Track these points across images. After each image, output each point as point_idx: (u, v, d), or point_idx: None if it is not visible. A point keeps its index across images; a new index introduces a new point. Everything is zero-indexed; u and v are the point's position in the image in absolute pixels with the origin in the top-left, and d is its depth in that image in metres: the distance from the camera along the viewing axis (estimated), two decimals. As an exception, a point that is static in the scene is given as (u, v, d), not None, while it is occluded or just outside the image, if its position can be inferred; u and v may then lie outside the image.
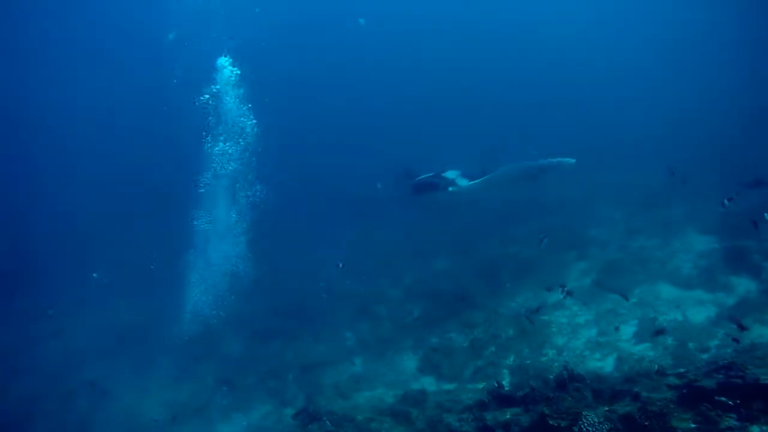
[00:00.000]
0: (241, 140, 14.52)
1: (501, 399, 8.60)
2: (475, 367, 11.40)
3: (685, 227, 14.27)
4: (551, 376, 8.73)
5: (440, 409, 9.47)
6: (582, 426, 6.58)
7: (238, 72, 14.78)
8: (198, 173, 14.56)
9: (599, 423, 6.58)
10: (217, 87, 14.65)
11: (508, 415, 7.99)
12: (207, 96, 14.50)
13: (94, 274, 17.31)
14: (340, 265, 12.66)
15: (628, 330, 10.88)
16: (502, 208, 19.63)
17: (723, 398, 6.27)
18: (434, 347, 12.39)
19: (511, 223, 19.04)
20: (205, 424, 12.48)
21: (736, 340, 8.34)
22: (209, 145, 14.50)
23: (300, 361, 13.78)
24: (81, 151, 36.06)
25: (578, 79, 39.78)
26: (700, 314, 10.59)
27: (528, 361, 10.83)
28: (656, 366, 8.36)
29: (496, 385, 9.14)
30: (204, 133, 14.46)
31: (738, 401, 6.16)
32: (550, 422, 6.94)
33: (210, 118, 14.51)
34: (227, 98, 14.63)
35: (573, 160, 13.80)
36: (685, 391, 6.76)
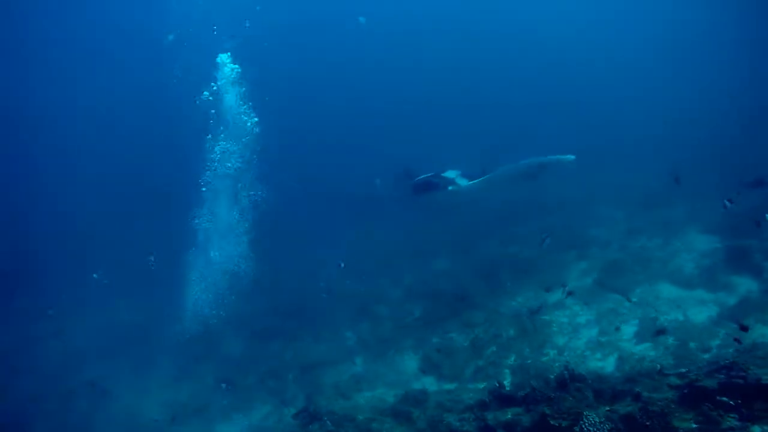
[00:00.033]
0: (243, 138, 14.52)
1: (502, 399, 8.60)
2: (476, 367, 11.38)
3: (686, 227, 14.26)
4: (552, 376, 8.72)
5: (441, 409, 9.46)
6: (583, 426, 6.58)
7: (239, 68, 14.79)
8: (199, 172, 14.56)
9: (600, 423, 6.59)
10: (219, 83, 14.66)
11: (509, 415, 8.00)
12: (206, 93, 14.50)
13: (95, 275, 17.27)
14: (342, 264, 12.65)
15: (629, 330, 10.85)
16: (502, 208, 19.63)
17: (724, 398, 6.27)
18: (435, 347, 12.38)
19: (511, 223, 19.04)
20: (206, 424, 12.47)
21: (737, 340, 8.33)
22: (210, 143, 14.50)
23: (300, 361, 13.77)
24: (81, 151, 36.06)
25: (578, 79, 39.79)
26: (701, 314, 10.57)
27: (529, 361, 10.81)
28: (658, 366, 8.36)
29: (497, 384, 9.14)
30: (205, 131, 14.46)
31: (739, 401, 6.16)
32: (552, 422, 6.94)
33: (211, 111, 14.51)
34: (228, 96, 14.64)
35: (573, 157, 13.74)
36: (686, 391, 6.76)
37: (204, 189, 14.57)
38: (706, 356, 9.00)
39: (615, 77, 39.26)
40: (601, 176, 21.04)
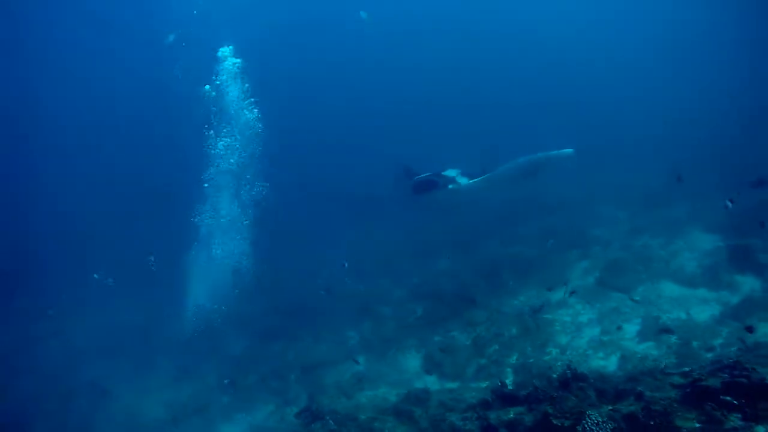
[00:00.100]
0: (246, 132, 14.51)
1: (504, 398, 8.57)
2: (478, 366, 11.37)
3: (688, 226, 14.26)
4: (555, 375, 8.70)
5: (443, 408, 9.42)
6: (586, 425, 6.56)
7: (239, 62, 14.78)
8: (200, 170, 14.56)
9: (603, 422, 6.55)
10: (220, 77, 14.65)
11: (511, 414, 7.96)
12: (208, 87, 14.50)
13: (95, 275, 17.24)
14: (345, 264, 12.64)
15: (631, 329, 10.86)
16: (502, 208, 19.63)
17: (728, 398, 6.24)
18: (438, 346, 12.36)
19: (512, 223, 19.03)
20: (208, 423, 12.46)
21: (741, 340, 8.32)
22: (211, 137, 14.49)
23: (302, 361, 13.76)
24: (81, 150, 36.07)
25: (578, 79, 39.80)
26: (704, 313, 10.58)
27: (531, 360, 10.80)
28: (663, 364, 8.35)
29: (499, 383, 9.12)
30: (206, 127, 14.45)
31: (743, 401, 6.13)
32: (554, 422, 6.91)
33: (212, 108, 14.51)
34: (229, 88, 14.63)
35: (571, 150, 13.70)
36: (689, 390, 6.73)
37: (206, 185, 14.58)
38: (709, 355, 8.99)
39: (615, 77, 39.29)
40: (601, 176, 21.06)
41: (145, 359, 15.57)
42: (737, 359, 6.91)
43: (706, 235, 13.49)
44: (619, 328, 10.99)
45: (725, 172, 16.28)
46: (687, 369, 7.64)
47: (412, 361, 12.58)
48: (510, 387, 9.21)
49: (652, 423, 6.39)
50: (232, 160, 14.68)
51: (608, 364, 10.01)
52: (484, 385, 10.45)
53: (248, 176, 14.89)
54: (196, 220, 14.72)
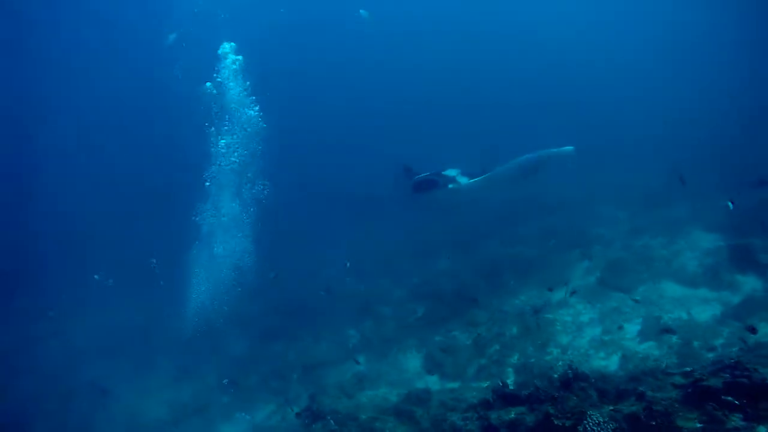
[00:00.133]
0: (248, 128, 14.49)
1: (505, 398, 8.53)
2: (479, 366, 11.36)
3: (689, 226, 14.21)
4: (556, 375, 8.68)
5: (444, 408, 9.40)
6: (587, 425, 6.54)
7: (240, 59, 14.77)
8: (201, 168, 14.55)
9: (604, 422, 6.54)
10: (222, 74, 14.64)
11: (512, 414, 7.94)
12: (209, 84, 14.48)
13: (96, 276, 17.23)
14: (348, 264, 12.63)
15: (632, 328, 10.84)
16: (502, 208, 19.63)
17: (729, 398, 6.23)
18: (438, 346, 12.36)
19: (512, 223, 19.03)
20: (209, 423, 12.47)
21: (743, 340, 8.32)
22: (212, 134, 14.47)
23: (303, 361, 13.78)
24: (82, 150, 36.07)
25: (578, 79, 39.80)
26: (705, 313, 10.56)
27: (532, 360, 10.79)
28: (664, 364, 8.34)
29: (500, 384, 9.09)
30: (207, 124, 14.44)
31: (744, 401, 6.12)
32: (555, 422, 6.90)
33: (213, 104, 14.49)
34: (230, 84, 14.61)
35: (571, 148, 13.64)
36: (690, 390, 6.72)
37: (207, 184, 14.57)
38: (711, 355, 8.97)
39: (615, 77, 39.29)
40: (601, 176, 21.07)
41: (146, 359, 15.58)
42: (738, 359, 6.89)
43: (707, 235, 13.45)
44: (620, 327, 10.97)
45: (725, 172, 16.31)
46: (688, 369, 7.62)
47: (413, 361, 12.58)
48: (511, 387, 9.17)
49: (653, 423, 6.38)
50: (233, 158, 14.67)
51: (609, 363, 10.00)
52: (485, 385, 10.43)
53: (249, 174, 14.89)
54: (197, 218, 14.71)
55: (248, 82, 14.81)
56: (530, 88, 39.44)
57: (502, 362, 11.12)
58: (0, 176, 33.16)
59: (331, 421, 9.65)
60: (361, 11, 30.25)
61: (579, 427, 6.57)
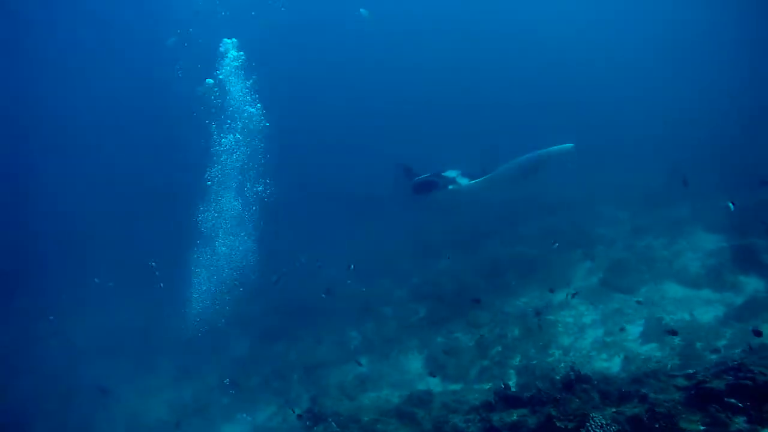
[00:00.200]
0: (248, 125, 14.46)
1: (507, 400, 8.52)
2: (481, 367, 11.36)
3: (691, 226, 14.22)
4: (558, 377, 8.66)
5: (446, 410, 9.40)
6: (589, 428, 6.51)
7: (242, 54, 14.73)
8: (202, 167, 14.51)
9: (607, 425, 6.52)
10: (223, 70, 14.60)
11: (514, 416, 7.92)
12: (210, 81, 14.44)
13: (96, 279, 17.19)
14: (352, 266, 12.58)
15: (635, 330, 10.83)
16: (503, 208, 19.57)
17: (733, 400, 6.20)
18: (440, 347, 12.34)
19: (513, 223, 19.00)
20: (210, 424, 12.45)
21: (750, 346, 8.29)
22: (213, 131, 14.44)
23: (304, 362, 13.77)
24: (81, 150, 36.03)
25: (578, 79, 39.76)
26: (707, 314, 10.54)
27: (534, 362, 10.76)
28: (669, 365, 8.32)
29: (502, 385, 9.08)
30: (207, 122, 14.41)
31: (748, 403, 6.09)
32: (558, 424, 6.88)
33: (213, 100, 14.45)
34: (232, 80, 14.57)
35: (571, 145, 13.58)
36: (693, 392, 6.70)
37: (209, 183, 14.54)
38: (713, 357, 8.95)
39: (615, 77, 39.24)
40: (602, 176, 21.04)
41: (146, 360, 15.56)
42: (742, 361, 6.87)
43: (709, 236, 13.44)
44: (623, 329, 10.95)
45: (726, 172, 16.27)
46: (691, 371, 7.59)
47: (415, 362, 12.58)
48: (513, 389, 9.16)
49: (656, 425, 6.35)
50: (234, 157, 14.65)
51: (612, 365, 9.98)
52: (487, 386, 10.43)
53: (251, 172, 14.87)
54: (198, 218, 14.68)
55: (250, 81, 14.78)
56: (530, 88, 39.38)
57: (504, 364, 11.11)
58: (0, 176, 33.12)
59: (333, 423, 9.62)
60: (361, 10, 30.22)
61: (581, 429, 6.54)
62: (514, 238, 17.69)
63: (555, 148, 13.59)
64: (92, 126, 36.52)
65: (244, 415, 12.47)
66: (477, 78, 41.89)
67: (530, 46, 44.46)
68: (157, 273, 14.60)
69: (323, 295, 14.01)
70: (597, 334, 11.20)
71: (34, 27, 30.51)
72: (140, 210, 27.45)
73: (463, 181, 14.79)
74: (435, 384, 11.29)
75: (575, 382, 7.95)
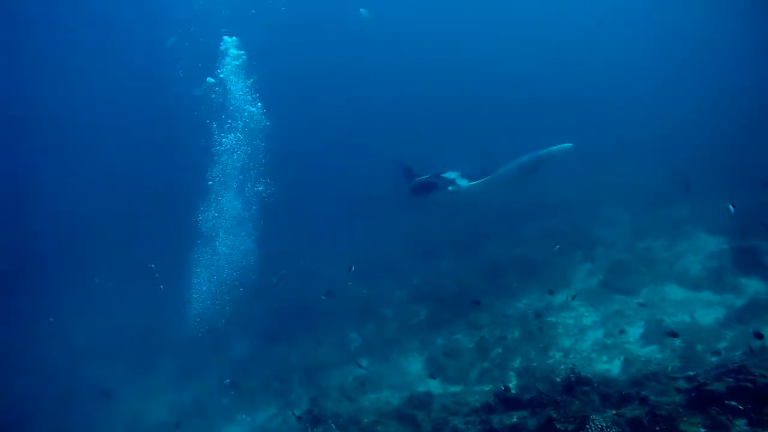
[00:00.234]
0: (249, 123, 14.44)
1: (507, 402, 8.50)
2: (482, 369, 11.35)
3: (692, 227, 14.17)
4: (558, 379, 8.65)
5: (446, 412, 9.37)
6: (590, 430, 6.51)
7: (243, 53, 14.71)
8: (203, 166, 14.50)
9: (607, 427, 6.51)
10: (224, 69, 14.58)
11: (514, 418, 7.91)
12: (211, 80, 14.43)
13: (96, 279, 17.18)
14: (352, 268, 12.56)
15: (635, 332, 10.80)
16: (504, 209, 19.53)
17: (733, 402, 6.19)
18: (441, 349, 12.32)
19: (514, 224, 18.94)
20: (209, 425, 12.44)
21: (750, 347, 8.28)
22: (214, 130, 14.42)
23: (304, 363, 13.76)
24: (81, 150, 36.03)
25: (580, 79, 39.72)
26: (708, 316, 10.51)
27: (534, 364, 10.74)
28: (669, 367, 8.30)
29: (502, 387, 9.06)
30: (208, 121, 14.40)
31: (749, 406, 6.08)
32: (558, 426, 6.87)
33: (214, 98, 14.44)
34: (233, 79, 14.55)
35: (570, 144, 13.55)
36: (694, 394, 6.69)
37: (210, 183, 14.54)
38: (714, 359, 8.93)
39: (616, 78, 39.19)
40: (603, 177, 20.99)
41: (146, 361, 15.56)
42: (742, 363, 6.86)
43: (710, 237, 13.40)
44: (622, 331, 10.92)
45: (727, 172, 16.24)
46: (692, 373, 7.58)
47: (415, 364, 12.57)
48: (513, 391, 9.16)
49: (657, 428, 6.34)
50: (235, 156, 14.64)
51: (612, 367, 9.96)
52: (487, 388, 10.40)
53: (252, 172, 14.86)
54: (199, 218, 14.68)
55: (251, 80, 14.77)
56: (531, 89, 39.34)
57: (505, 366, 11.09)
58: (0, 176, 33.13)
59: (333, 425, 9.60)
60: (361, 10, 30.22)
61: (582, 431, 6.53)
62: (515, 239, 17.64)
63: (554, 148, 13.56)
64: (92, 126, 36.49)
65: (244, 416, 12.47)
66: (478, 78, 41.87)
67: (531, 46, 44.43)
68: (156, 275, 14.59)
69: (323, 297, 14.01)
70: (597, 335, 11.17)
71: (34, 27, 30.48)
72: (140, 210, 27.47)
73: (463, 183, 14.77)
74: (435, 386, 11.28)
75: (575, 384, 7.93)
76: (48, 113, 34.90)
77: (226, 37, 15.09)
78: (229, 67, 14.93)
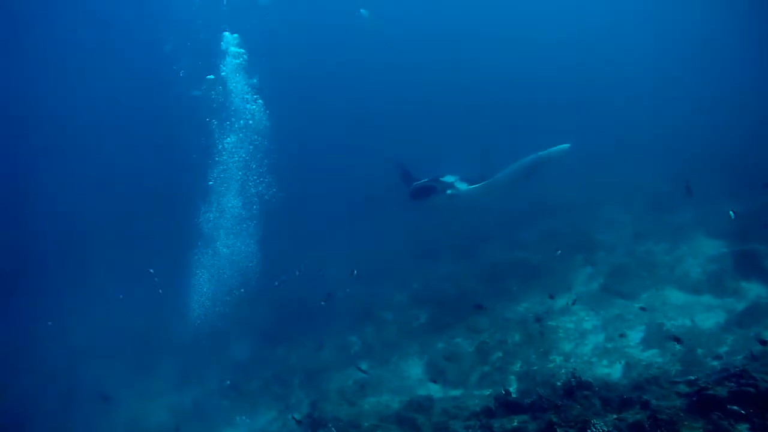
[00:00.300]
0: (249, 120, 14.43)
1: (508, 406, 8.48)
2: (482, 373, 11.30)
3: (693, 231, 14.10)
4: (559, 383, 8.63)
5: (446, 416, 9.33)
6: (590, 434, 6.50)
7: (245, 54, 14.69)
8: (204, 167, 14.49)
9: (608, 431, 6.50)
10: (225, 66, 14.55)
11: (515, 422, 7.89)
12: (212, 77, 14.41)
13: (120, 296, 17.01)
14: (355, 272, 12.56)
15: (636, 336, 10.76)
16: (504, 211, 19.50)
17: (735, 407, 6.18)
18: (441, 353, 12.28)
19: (514, 227, 18.91)
20: (209, 428, 12.43)
21: (752, 353, 8.26)
22: (215, 128, 14.40)
23: (305, 365, 13.73)
24: (81, 150, 36.03)
25: (582, 81, 39.72)
26: (709, 320, 10.46)
27: (535, 368, 10.71)
28: (673, 371, 8.28)
29: (503, 391, 9.04)
30: (208, 120, 14.37)
31: (751, 410, 6.06)
32: (559, 430, 6.85)
33: (213, 95, 14.42)
34: (233, 76, 14.53)
35: (568, 145, 13.52)
36: (695, 399, 6.67)
37: (211, 183, 14.52)
38: (715, 363, 8.89)
39: (618, 80, 39.17)
40: (604, 177, 20.98)
41: (146, 361, 15.54)
42: (744, 368, 6.84)
43: (711, 241, 13.33)
44: (623, 335, 10.89)
45: (728, 175, 16.20)
46: (693, 377, 7.57)
47: (415, 368, 12.54)
48: (514, 395, 9.14)
49: (658, 432, 6.33)
50: (236, 158, 14.63)
51: (613, 371, 9.93)
52: (487, 392, 10.38)
53: (252, 172, 14.84)
54: (200, 218, 14.66)
55: (254, 79, 14.76)
56: (532, 90, 39.37)
57: (505, 370, 11.05)
58: (0, 176, 33.12)
59: (333, 429, 9.60)
60: (361, 10, 30.23)
61: (583, 436, 6.52)
62: (514, 242, 17.62)
63: (552, 149, 13.55)
64: (92, 126, 36.48)
65: (244, 418, 12.45)
66: (478, 78, 41.86)
67: (533, 47, 44.42)
68: (156, 279, 14.58)
69: (322, 303, 14.02)
70: (598, 339, 11.13)
71: (34, 27, 30.46)
72: (140, 210, 27.48)
73: (462, 186, 14.76)
74: (435, 389, 11.25)
75: (576, 389, 7.92)
76: (48, 113, 34.85)
77: (226, 33, 15.06)
78: (229, 66, 14.92)
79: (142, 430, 12.86)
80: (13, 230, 28.56)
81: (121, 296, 17.09)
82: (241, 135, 14.70)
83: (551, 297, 12.24)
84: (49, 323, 17.50)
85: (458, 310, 13.69)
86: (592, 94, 37.48)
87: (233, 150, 14.63)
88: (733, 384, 6.53)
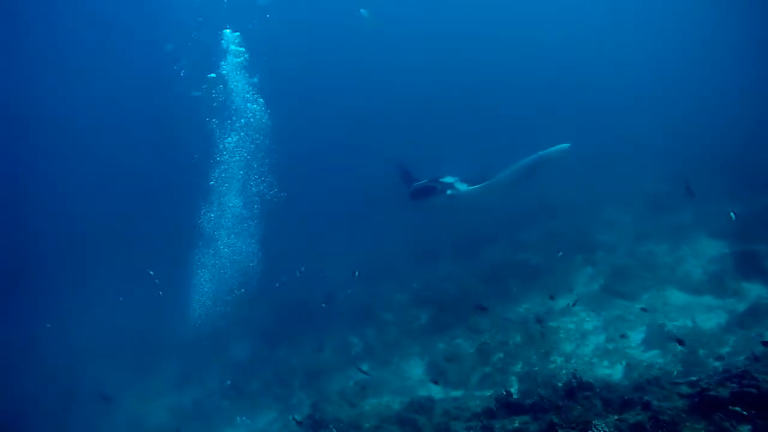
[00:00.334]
0: (251, 120, 14.42)
1: (509, 407, 8.47)
2: (483, 374, 11.29)
3: (694, 232, 14.08)
4: (560, 384, 8.62)
5: (447, 417, 9.31)
6: (592, 435, 6.49)
7: (246, 53, 14.68)
8: (204, 166, 14.48)
9: (609, 433, 6.49)
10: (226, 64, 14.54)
11: (516, 423, 7.88)
12: (213, 75, 14.40)
13: (121, 298, 17.03)
14: (356, 273, 12.55)
15: (637, 336, 10.75)
16: (505, 212, 19.48)
17: (737, 408, 6.16)
18: (442, 353, 12.27)
19: (514, 227, 18.90)
20: (209, 429, 12.41)
21: (754, 354, 8.25)
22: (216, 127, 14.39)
23: (306, 366, 13.71)
24: (81, 150, 36.01)
25: (583, 81, 39.70)
26: (710, 321, 10.44)
27: (536, 368, 10.69)
28: (675, 372, 8.26)
29: (504, 392, 9.03)
30: (208, 119, 14.37)
31: (753, 411, 6.05)
32: (560, 431, 6.85)
33: (214, 94, 14.41)
34: (235, 75, 14.52)
35: (568, 145, 13.51)
36: (697, 400, 6.65)
37: (212, 182, 14.52)
38: (717, 364, 8.89)
39: (619, 81, 39.17)
40: (605, 178, 20.94)
41: (147, 362, 15.53)
42: (746, 368, 6.83)
43: (712, 241, 13.33)
44: (623, 336, 10.88)
45: (729, 176, 16.19)
46: (694, 378, 7.56)
47: (416, 369, 12.53)
48: (515, 396, 9.13)
49: (659, 433, 6.32)
50: (237, 158, 14.62)
51: (614, 372, 9.92)
52: (488, 393, 10.36)
53: (253, 172, 14.84)
54: (201, 219, 14.65)
55: (255, 78, 14.76)
56: (533, 90, 39.35)
57: (506, 370, 11.03)
58: (0, 176, 33.11)
59: (334, 430, 9.58)
60: (361, 10, 30.21)
61: (584, 437, 6.51)
62: (515, 243, 17.62)
63: (552, 149, 13.55)
64: (92, 126, 36.47)
65: (245, 419, 12.44)
66: (478, 79, 41.86)
67: (533, 47, 44.40)
68: (156, 281, 14.57)
69: (323, 305, 14.01)
70: (599, 340, 11.12)
71: (34, 27, 30.45)
72: (140, 210, 27.47)
73: (462, 187, 14.75)
74: (436, 390, 11.22)
75: (577, 389, 7.90)
76: (48, 113, 34.84)
77: (226, 32, 15.05)
78: (230, 65, 14.90)
79: (143, 430, 12.86)
80: (13, 230, 28.55)
81: (121, 299, 17.06)
82: (242, 134, 14.70)
83: (552, 298, 12.22)
84: (48, 325, 17.50)
85: (459, 311, 13.68)
86: (592, 94, 37.45)
87: (234, 149, 14.63)
88: (735, 385, 6.52)
